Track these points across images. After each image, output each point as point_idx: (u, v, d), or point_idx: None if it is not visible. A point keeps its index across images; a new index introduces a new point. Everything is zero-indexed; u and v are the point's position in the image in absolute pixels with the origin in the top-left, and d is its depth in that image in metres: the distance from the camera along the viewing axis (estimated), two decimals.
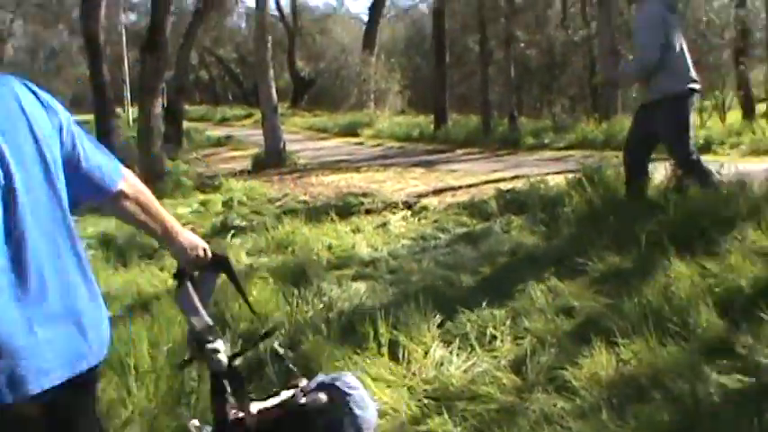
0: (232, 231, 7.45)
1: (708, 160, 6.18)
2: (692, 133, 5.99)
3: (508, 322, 4.11)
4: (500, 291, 4.63)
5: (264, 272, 5.33)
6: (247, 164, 14.96)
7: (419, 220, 7.50)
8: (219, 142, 24.10)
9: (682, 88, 5.82)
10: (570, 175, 7.59)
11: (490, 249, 5.76)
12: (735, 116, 22.83)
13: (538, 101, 30.19)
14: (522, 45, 24.14)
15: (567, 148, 15.64)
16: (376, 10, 38.84)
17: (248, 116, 35.61)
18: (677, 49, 5.85)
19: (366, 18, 41.75)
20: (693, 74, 5.98)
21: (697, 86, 5.99)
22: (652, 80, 5.90)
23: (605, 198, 6.03)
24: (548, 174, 9.19)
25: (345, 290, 4.96)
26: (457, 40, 29.92)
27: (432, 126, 21.99)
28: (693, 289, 3.98)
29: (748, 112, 25.27)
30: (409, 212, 7.86)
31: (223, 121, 36.85)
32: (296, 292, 4.75)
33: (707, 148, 11.84)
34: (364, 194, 8.89)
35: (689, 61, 5.95)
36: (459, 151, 17.06)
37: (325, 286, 4.96)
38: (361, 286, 5.16)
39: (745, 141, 12.94)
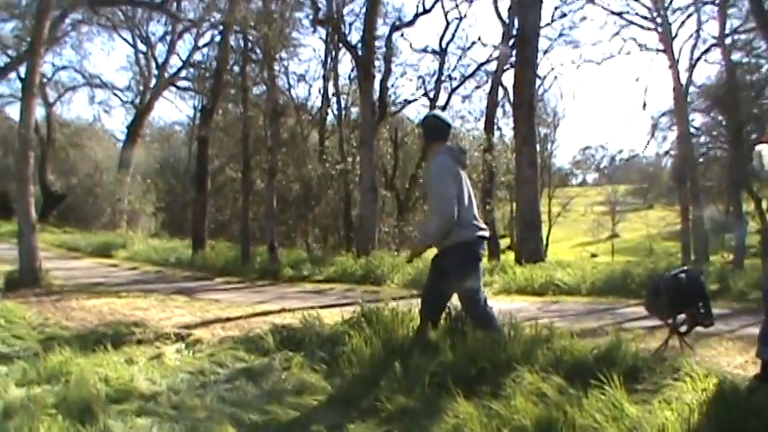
0: None
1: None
2: (479, 276, 6.41)
3: None
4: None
5: (45, 407, 5.14)
6: None
7: (194, 353, 7.39)
8: None
9: (471, 236, 6.24)
10: (344, 311, 7.95)
11: (273, 387, 5.80)
12: None
13: (292, 230, 30.78)
14: (281, 176, 24.73)
15: (327, 280, 16.06)
16: (133, 129, 38.41)
17: None
18: (466, 201, 6.28)
19: (120, 136, 41.35)
20: (481, 223, 6.43)
21: (485, 234, 6.41)
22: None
23: (384, 338, 6.30)
24: (312, 307, 9.42)
25: (132, 427, 4.91)
26: (218, 167, 30.19)
27: (189, 251, 21.83)
28: (483, 430, 4.32)
29: (494, 252, 27.17)
30: (183, 345, 7.77)
31: None
32: (84, 431, 4.63)
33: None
34: (135, 324, 8.68)
35: (476, 211, 6.41)
36: (219, 279, 17.05)
37: (112, 423, 4.88)
38: (146, 422, 5.07)
39: (497, 280, 13.95)
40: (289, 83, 31.27)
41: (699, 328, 6.33)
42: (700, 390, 4.62)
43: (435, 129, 6.66)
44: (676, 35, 27.18)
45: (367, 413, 4.98)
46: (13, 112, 39.78)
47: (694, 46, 27.64)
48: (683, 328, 6.28)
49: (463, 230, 6.23)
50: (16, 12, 27.12)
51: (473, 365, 5.44)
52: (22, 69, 18.25)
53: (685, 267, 6.93)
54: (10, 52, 29.70)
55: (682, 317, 6.28)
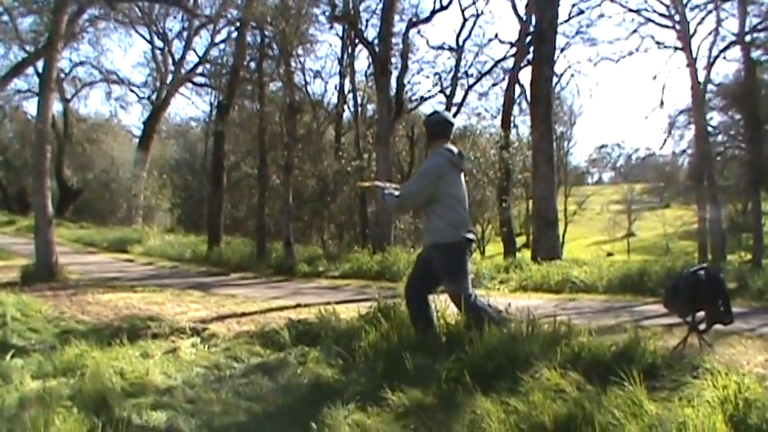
0: (12, 351, 7.04)
1: (479, 294, 6.60)
2: (467, 275, 6.46)
3: None
4: (307, 425, 4.69)
5: (60, 399, 5.15)
6: (14, 275, 14.16)
7: (209, 347, 7.38)
8: None
9: (458, 237, 6.32)
10: (360, 307, 7.95)
11: (289, 382, 5.80)
12: (494, 248, 24.25)
13: (308, 226, 30.82)
14: (297, 172, 24.75)
15: (342, 277, 16.04)
16: (150, 125, 38.49)
17: (10, 223, 33.90)
18: (456, 203, 6.39)
19: (136, 131, 41.47)
20: (469, 225, 6.60)
21: (471, 236, 6.55)
22: (433, 228, 6.41)
23: (401, 333, 6.28)
24: (328, 303, 9.32)
25: (147, 420, 4.90)
26: (233, 163, 30.23)
27: (205, 247, 21.87)
28: (501, 426, 4.29)
29: (510, 248, 27.12)
30: (198, 339, 7.76)
31: None
32: (99, 422, 4.61)
33: (477, 282, 12.63)
34: (150, 318, 8.70)
35: (466, 213, 6.50)
36: (234, 275, 17.08)
37: (128, 416, 4.87)
38: (161, 416, 5.06)
39: (513, 278, 13.89)
40: (305, 79, 31.38)
41: (718, 326, 6.28)
42: (720, 387, 4.55)
43: (437, 126, 6.69)
44: (695, 32, 27.13)
45: (383, 408, 4.94)
46: (31, 107, 40.06)
47: (713, 43, 27.46)
48: (703, 326, 6.22)
49: (451, 229, 6.34)
50: (34, 7, 27.23)
51: (490, 361, 5.40)
52: (40, 65, 18.28)
53: (704, 265, 6.87)
54: (28, 47, 29.78)
55: (701, 314, 6.22)
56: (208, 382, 5.99)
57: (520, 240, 40.23)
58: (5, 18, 29.63)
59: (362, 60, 38.40)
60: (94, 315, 9.90)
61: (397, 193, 6.73)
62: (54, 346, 7.16)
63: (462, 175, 6.60)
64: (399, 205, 6.76)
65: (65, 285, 13.27)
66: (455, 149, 6.50)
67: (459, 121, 33.51)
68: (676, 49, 28.11)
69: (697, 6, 27.32)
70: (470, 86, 34.48)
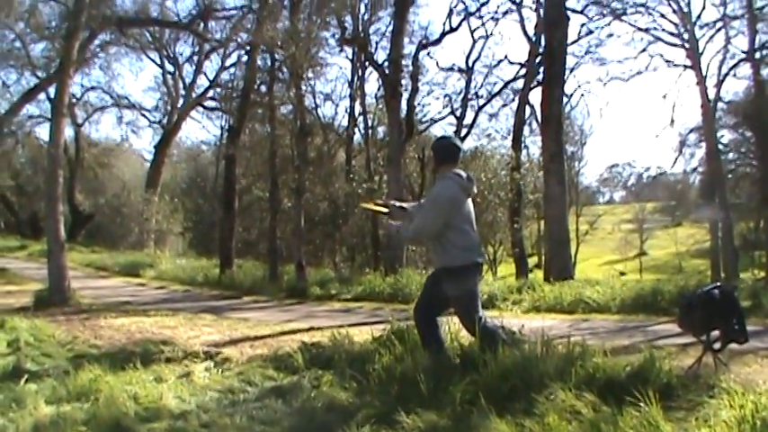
0: (26, 376, 7.05)
1: (492, 316, 6.59)
2: (478, 298, 6.44)
3: None
4: None
5: (75, 425, 5.15)
6: (27, 300, 14.19)
7: (223, 371, 7.37)
8: None
9: (470, 261, 6.30)
10: (373, 330, 7.91)
11: (303, 405, 5.77)
12: (506, 269, 24.18)
13: (320, 249, 30.80)
14: (308, 195, 24.77)
15: (355, 299, 16.03)
16: (161, 149, 38.67)
17: (22, 248, 34.03)
18: (466, 227, 6.36)
19: (147, 155, 41.64)
20: (480, 248, 6.61)
21: (481, 260, 6.54)
22: (444, 252, 6.34)
23: (415, 355, 6.25)
24: (341, 326, 9.35)
25: None
26: (245, 186, 30.28)
27: (216, 270, 21.90)
28: None
29: (522, 269, 27.06)
30: (212, 363, 7.76)
31: None
32: None
33: (490, 304, 12.65)
34: (164, 342, 8.69)
35: (475, 238, 6.46)
36: (247, 298, 17.10)
37: None
38: None
39: (526, 298, 13.85)
40: (315, 102, 31.42)
41: (733, 345, 6.24)
42: (737, 407, 4.52)
43: (445, 151, 6.62)
44: (704, 50, 27.04)
45: (398, 431, 4.91)
46: (43, 132, 40.36)
47: (722, 61, 27.47)
48: (717, 345, 6.18)
49: (468, 254, 6.30)
50: (46, 33, 27.51)
51: (505, 383, 5.38)
52: (52, 90, 18.45)
53: (718, 283, 6.84)
54: (39, 73, 30.10)
55: (715, 333, 6.18)
56: (222, 407, 5.97)
57: (532, 261, 40.13)
58: (18, 44, 29.95)
59: (373, 83, 38.61)
60: (107, 339, 9.90)
61: (404, 206, 6.74)
62: (68, 371, 7.14)
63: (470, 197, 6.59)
64: (415, 237, 6.69)
65: (78, 310, 13.30)
66: (464, 174, 6.48)
67: (469, 143, 33.59)
68: (686, 67, 28.14)
69: (706, 24, 27.38)
70: (480, 107, 34.48)
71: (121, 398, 5.95)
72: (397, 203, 6.96)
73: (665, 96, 45.33)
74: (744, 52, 26.00)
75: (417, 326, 6.53)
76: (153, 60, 40.19)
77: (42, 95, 31.36)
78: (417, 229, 6.40)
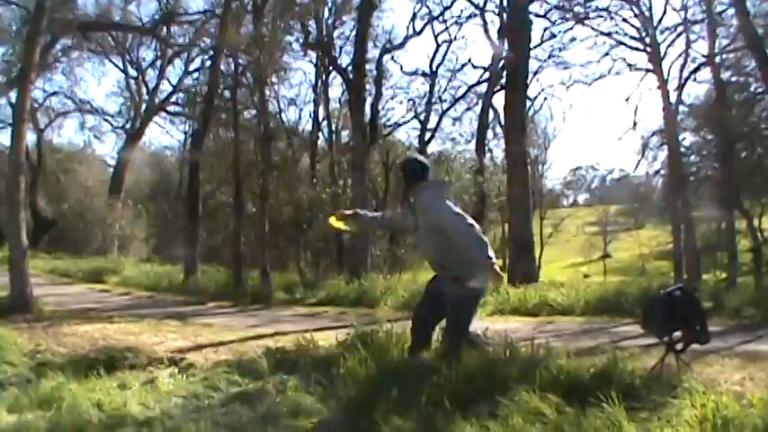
0: None
1: None
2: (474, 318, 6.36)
3: None
4: None
5: None
6: None
7: (187, 377, 7.32)
8: None
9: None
10: (338, 334, 7.94)
11: (268, 410, 5.75)
12: None
13: (284, 254, 30.68)
14: (273, 200, 24.66)
15: (319, 304, 16.03)
16: (124, 155, 38.40)
17: None
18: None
19: (111, 161, 41.30)
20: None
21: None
22: (457, 261, 6.14)
23: (380, 360, 6.27)
24: (306, 330, 9.29)
25: None
26: (209, 191, 30.12)
27: (181, 276, 21.78)
28: None
29: None
30: (176, 369, 7.71)
31: None
32: None
33: None
34: (128, 349, 8.63)
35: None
36: (211, 304, 17.00)
37: None
38: None
39: (490, 301, 13.85)
40: (279, 107, 31.27)
41: (695, 346, 6.32)
42: (699, 406, 4.58)
43: (418, 171, 6.51)
44: (665, 55, 27.16)
45: None
46: (4, 138, 39.81)
47: (683, 65, 27.67)
48: (679, 346, 6.26)
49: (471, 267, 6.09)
50: (6, 37, 27.18)
51: (470, 385, 5.41)
52: (13, 95, 18.24)
53: (680, 285, 6.93)
54: (0, 78, 29.73)
55: (678, 334, 6.26)
56: (186, 413, 5.92)
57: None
58: None
59: (337, 87, 38.39)
60: (71, 347, 9.77)
61: (371, 215, 6.72)
62: (30, 379, 7.06)
63: None
64: (480, 251, 6.03)
65: (40, 317, 13.09)
66: (444, 180, 6.47)
67: (433, 147, 33.66)
68: (648, 71, 28.31)
69: (668, 29, 27.55)
70: (444, 111, 34.56)
71: (85, 405, 5.89)
72: (369, 215, 6.92)
73: (627, 99, 45.73)
74: (704, 56, 26.22)
75: (414, 328, 6.47)
76: (116, 65, 39.92)
77: (3, 101, 30.98)
78: (472, 244, 6.06)
